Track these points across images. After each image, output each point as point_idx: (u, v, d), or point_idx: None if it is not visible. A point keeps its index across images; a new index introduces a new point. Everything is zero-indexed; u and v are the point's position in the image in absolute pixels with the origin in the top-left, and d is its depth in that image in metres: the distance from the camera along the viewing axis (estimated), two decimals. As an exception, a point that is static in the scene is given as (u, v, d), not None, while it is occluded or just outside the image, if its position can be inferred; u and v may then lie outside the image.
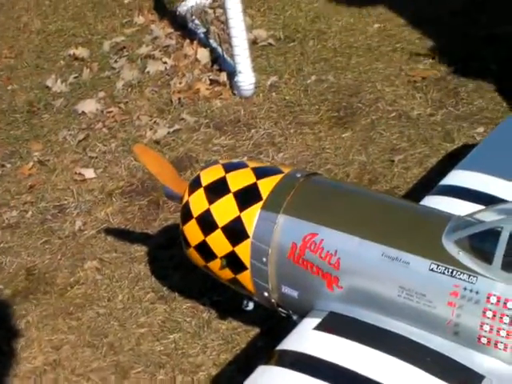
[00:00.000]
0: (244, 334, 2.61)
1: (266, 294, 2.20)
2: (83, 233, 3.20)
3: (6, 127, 3.97)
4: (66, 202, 3.39)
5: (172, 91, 3.97)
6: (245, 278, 2.21)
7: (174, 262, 2.93)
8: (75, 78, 4.24)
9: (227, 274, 2.26)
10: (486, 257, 1.83)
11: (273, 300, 2.21)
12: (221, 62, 4.06)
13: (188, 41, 4.27)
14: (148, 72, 4.15)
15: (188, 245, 2.32)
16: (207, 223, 2.25)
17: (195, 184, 2.32)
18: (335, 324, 1.98)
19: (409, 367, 1.82)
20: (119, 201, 3.35)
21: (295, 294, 2.13)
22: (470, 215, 1.96)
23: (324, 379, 1.80)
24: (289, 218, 2.12)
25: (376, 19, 4.29)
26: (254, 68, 3.85)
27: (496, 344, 1.81)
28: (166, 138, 3.68)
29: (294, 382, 1.83)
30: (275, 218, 2.13)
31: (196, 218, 2.27)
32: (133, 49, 4.38)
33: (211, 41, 4.23)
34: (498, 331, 1.80)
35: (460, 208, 2.13)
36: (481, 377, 1.81)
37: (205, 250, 2.27)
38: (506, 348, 1.80)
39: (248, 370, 1.93)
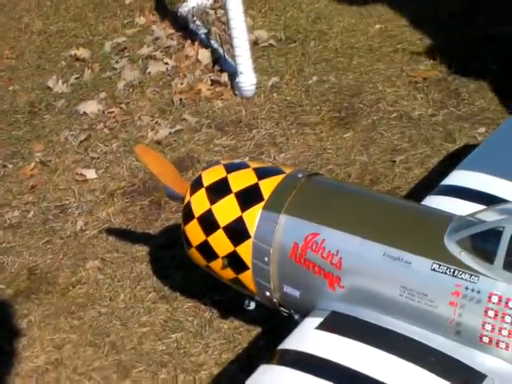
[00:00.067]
0: (246, 334, 2.62)
1: (267, 293, 2.20)
2: (85, 233, 3.21)
3: (7, 128, 3.97)
4: (67, 202, 3.40)
5: (173, 92, 3.98)
6: (246, 277, 2.22)
7: (175, 262, 2.94)
8: (76, 78, 4.25)
9: (229, 273, 2.26)
10: (488, 256, 1.83)
11: (274, 300, 2.21)
12: (222, 63, 4.06)
13: (189, 41, 4.28)
14: (149, 72, 4.15)
15: (190, 245, 2.33)
16: (209, 223, 2.25)
17: (197, 184, 2.33)
18: (337, 323, 1.99)
19: (411, 366, 1.82)
20: (121, 201, 3.36)
21: (297, 293, 2.14)
22: (472, 215, 1.96)
23: (326, 378, 1.81)
24: (290, 218, 2.13)
25: (377, 20, 4.30)
26: (255, 69, 3.85)
27: (498, 343, 1.81)
28: (168, 139, 3.68)
29: (295, 381, 1.84)
30: (277, 218, 2.14)
31: (198, 218, 2.28)
32: (134, 49, 4.38)
33: (212, 41, 4.24)
34: (499, 330, 1.81)
35: (461, 208, 2.14)
36: (483, 376, 1.82)
37: (206, 249, 2.28)
38: (507, 347, 1.80)
39: (250, 370, 1.93)
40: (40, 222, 3.32)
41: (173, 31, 4.45)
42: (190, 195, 2.32)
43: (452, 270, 1.86)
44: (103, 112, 3.93)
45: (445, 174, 2.51)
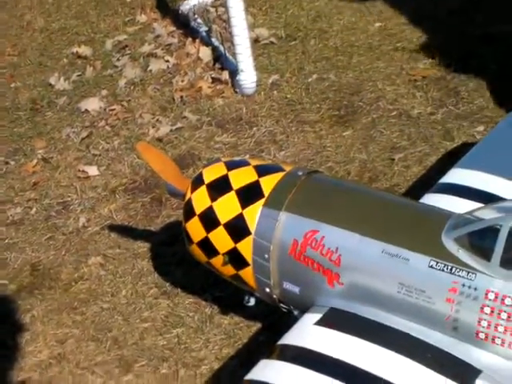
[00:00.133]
0: (246, 329, 2.64)
1: (267, 289, 2.22)
2: (87, 229, 3.23)
3: (9, 125, 3.98)
4: (69, 199, 3.41)
5: (174, 89, 3.99)
6: (247, 274, 2.24)
7: (176, 258, 2.95)
8: (78, 76, 4.26)
9: (229, 270, 2.28)
10: (485, 254, 1.85)
11: (274, 296, 2.23)
12: (223, 61, 4.07)
13: (190, 39, 4.29)
14: (150, 70, 4.16)
15: (191, 241, 2.34)
16: (210, 220, 2.27)
17: (198, 181, 2.34)
18: (336, 319, 2.01)
19: (408, 362, 1.84)
20: (122, 198, 3.38)
21: (296, 289, 2.15)
22: (470, 213, 1.98)
23: (325, 373, 1.83)
24: (290, 215, 2.15)
25: (377, 18, 4.31)
26: (255, 66, 3.86)
27: (494, 339, 1.83)
28: (169, 136, 3.70)
29: (295, 376, 1.85)
30: (277, 215, 2.15)
31: (198, 215, 2.29)
32: (135, 47, 4.39)
33: (213, 39, 4.25)
34: (495, 327, 1.83)
35: (459, 206, 2.16)
36: (478, 371, 1.84)
37: (207, 246, 2.29)
38: (503, 343, 1.82)
39: (250, 365, 1.95)
40: (42, 218, 3.33)
41: (174, 29, 4.46)
42: (191, 192, 2.33)
43: (449, 267, 1.88)
44: (105, 109, 3.95)
45: (443, 172, 2.52)
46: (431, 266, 1.91)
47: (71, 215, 3.32)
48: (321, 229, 2.08)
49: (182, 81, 4.03)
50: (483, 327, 1.84)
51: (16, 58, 4.56)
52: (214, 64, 4.09)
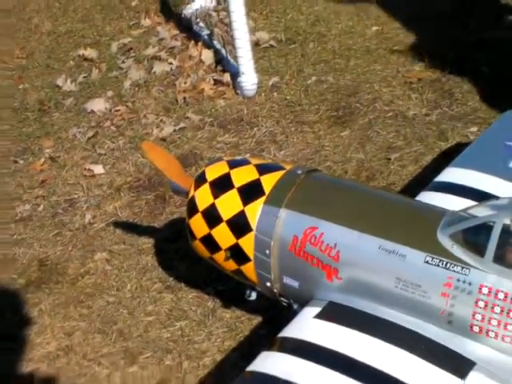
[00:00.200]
0: (247, 322, 2.64)
1: (268, 284, 2.22)
2: (93, 226, 3.23)
3: (18, 125, 3.98)
4: (76, 197, 3.41)
5: (177, 91, 3.99)
6: (248, 269, 2.24)
7: (179, 254, 2.95)
8: (84, 77, 4.26)
9: (231, 265, 2.29)
10: (479, 250, 1.85)
11: (275, 290, 2.23)
12: (224, 63, 4.07)
13: (193, 42, 4.29)
14: (154, 72, 4.16)
15: (194, 237, 2.34)
16: (212, 217, 2.27)
17: (201, 179, 2.34)
18: (334, 313, 2.01)
19: (404, 354, 1.85)
20: (127, 195, 3.38)
21: (296, 284, 2.16)
22: (464, 210, 1.98)
23: (323, 365, 1.83)
24: (290, 212, 2.15)
25: (374, 22, 4.31)
26: (256, 69, 3.86)
27: (487, 332, 1.84)
28: (172, 136, 3.70)
29: (294, 367, 1.85)
30: (277, 212, 2.16)
31: (201, 212, 2.30)
32: (140, 50, 4.39)
33: (215, 42, 4.25)
34: (489, 320, 1.83)
35: (453, 203, 2.16)
36: (472, 363, 1.84)
37: (210, 242, 2.30)
38: (496, 336, 1.83)
39: (251, 356, 1.95)
40: (50, 215, 3.33)
41: (177, 32, 4.46)
42: (194, 190, 2.33)
43: (444, 263, 1.89)
44: (110, 110, 3.95)
45: (438, 171, 2.53)
46: (427, 262, 1.91)
47: (78, 212, 3.32)
48: (320, 225, 2.09)
49: (185, 82, 4.03)
50: (477, 321, 1.84)
51: (24, 60, 4.56)
52: (216, 66, 4.09)
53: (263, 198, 2.19)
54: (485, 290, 1.83)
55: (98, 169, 3.55)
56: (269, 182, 2.22)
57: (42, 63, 4.49)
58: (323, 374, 1.81)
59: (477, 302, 1.84)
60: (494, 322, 1.82)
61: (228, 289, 2.72)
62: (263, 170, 2.28)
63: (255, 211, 2.19)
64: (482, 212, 1.92)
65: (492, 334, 1.83)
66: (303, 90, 3.85)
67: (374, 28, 4.27)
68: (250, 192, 2.23)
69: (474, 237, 1.89)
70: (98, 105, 3.98)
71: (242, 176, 2.27)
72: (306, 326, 2.00)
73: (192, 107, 3.87)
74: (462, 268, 1.86)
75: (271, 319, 2.59)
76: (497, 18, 4.08)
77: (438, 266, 1.89)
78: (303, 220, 2.12)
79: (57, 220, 3.29)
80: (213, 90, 3.95)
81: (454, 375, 1.81)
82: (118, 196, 3.38)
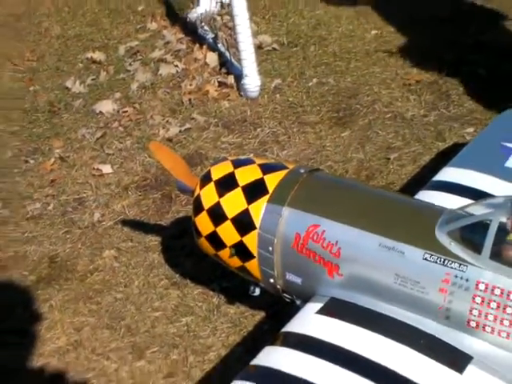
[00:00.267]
0: (251, 318, 2.64)
1: (271, 280, 2.23)
2: (101, 224, 3.23)
3: (28, 125, 3.99)
4: (85, 195, 3.42)
5: (183, 92, 3.99)
6: (252, 265, 2.24)
7: (185, 251, 2.95)
8: (93, 79, 4.26)
9: (236, 262, 2.29)
10: (476, 247, 1.85)
11: (278, 286, 2.23)
12: (228, 66, 4.08)
13: (198, 45, 4.29)
14: (160, 74, 4.17)
15: (199, 235, 2.35)
16: (217, 215, 2.27)
17: (206, 179, 2.34)
18: (336, 308, 2.01)
19: (404, 348, 1.85)
20: (134, 194, 3.38)
21: (299, 280, 2.16)
22: (462, 208, 1.98)
23: (325, 359, 1.83)
24: (293, 210, 2.15)
25: (373, 26, 4.31)
26: (259, 71, 3.87)
27: (484, 327, 1.84)
28: (178, 136, 3.70)
29: (297, 362, 1.86)
30: (280, 210, 2.16)
31: (207, 210, 2.30)
32: (146, 53, 4.40)
33: (219, 46, 4.25)
34: (486, 316, 1.83)
35: (451, 202, 2.16)
36: (470, 357, 1.84)
37: (215, 239, 2.30)
38: (493, 331, 1.83)
39: (255, 351, 1.95)
40: (59, 213, 3.34)
41: (182, 36, 4.47)
42: (200, 189, 2.33)
43: (442, 260, 1.89)
44: (118, 111, 3.95)
45: (436, 170, 2.53)
46: (425, 259, 1.91)
47: (86, 210, 3.32)
48: (322, 223, 2.09)
49: (191, 84, 4.03)
50: (474, 316, 1.84)
51: (35, 62, 4.56)
52: (221, 69, 4.09)
53: (267, 197, 2.19)
54: (481, 286, 1.83)
55: (107, 168, 3.55)
56: (272, 181, 2.22)
57: (52, 66, 4.49)
58: (325, 367, 1.81)
59: (474, 298, 1.83)
60: (491, 318, 1.82)
61: (232, 285, 2.72)
62: (267, 169, 2.28)
63: (259, 209, 2.19)
64: (479, 210, 1.92)
65: (488, 329, 1.83)
66: (305, 91, 3.85)
67: (374, 32, 4.26)
68: (254, 191, 2.23)
69: (471, 234, 1.89)
70: (106, 106, 3.98)
71: (246, 175, 2.28)
72: (309, 321, 2.00)
73: (197, 108, 3.87)
74: (460, 265, 1.86)
75: (274, 315, 2.60)
76: (494, 21, 4.08)
77: (436, 262, 1.89)
78: (306, 218, 2.12)
79: (66, 218, 3.30)
80: (217, 91, 3.96)
81: (452, 369, 1.81)
82: (126, 195, 3.38)
